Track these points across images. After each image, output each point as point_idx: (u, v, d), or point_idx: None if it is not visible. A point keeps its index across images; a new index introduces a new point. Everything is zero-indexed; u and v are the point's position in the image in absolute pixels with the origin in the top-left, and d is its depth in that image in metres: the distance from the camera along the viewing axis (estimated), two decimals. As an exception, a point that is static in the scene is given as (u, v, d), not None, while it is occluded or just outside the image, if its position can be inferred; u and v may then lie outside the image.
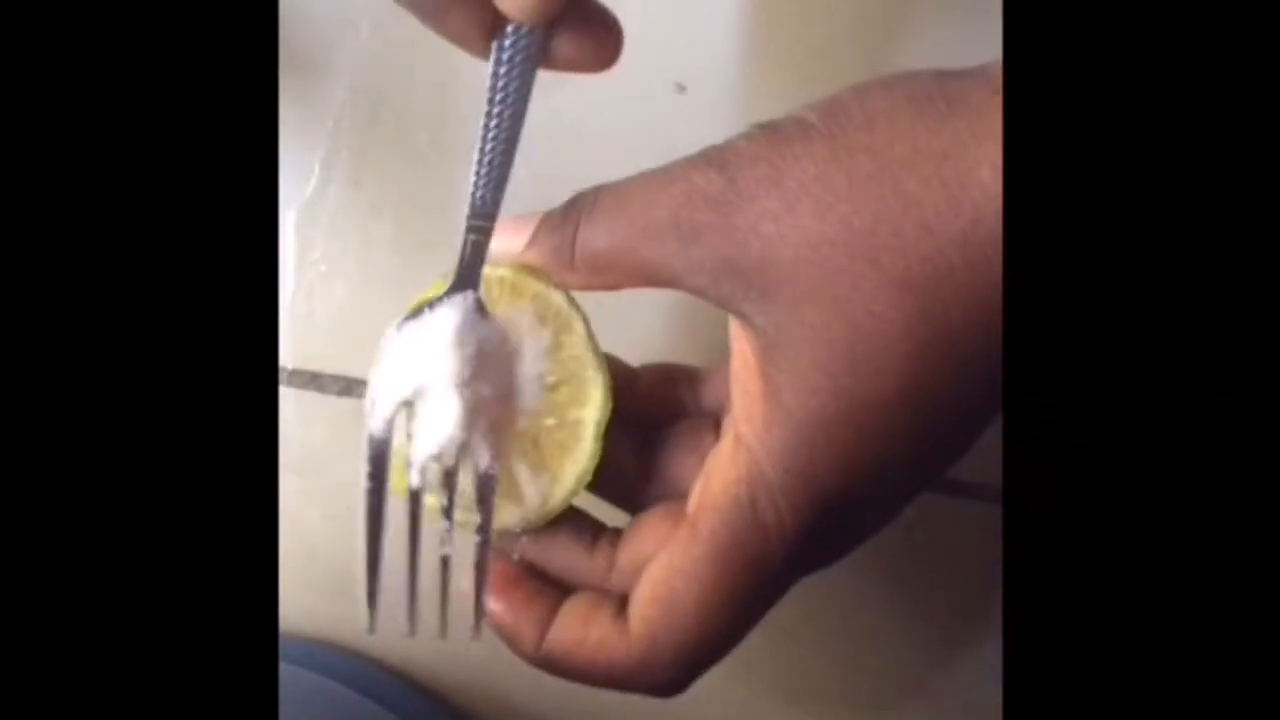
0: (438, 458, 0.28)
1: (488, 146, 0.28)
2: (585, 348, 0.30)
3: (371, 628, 0.28)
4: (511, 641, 0.30)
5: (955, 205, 0.24)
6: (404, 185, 0.42)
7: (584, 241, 0.28)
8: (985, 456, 0.26)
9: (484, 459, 0.28)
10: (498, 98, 0.28)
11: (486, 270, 0.29)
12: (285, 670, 0.40)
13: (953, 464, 0.27)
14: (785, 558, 0.27)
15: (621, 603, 0.29)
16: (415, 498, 0.28)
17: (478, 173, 0.28)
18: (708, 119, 0.41)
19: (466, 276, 0.29)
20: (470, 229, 0.28)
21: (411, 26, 0.27)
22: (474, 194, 0.28)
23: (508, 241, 0.29)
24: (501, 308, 0.29)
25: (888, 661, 0.44)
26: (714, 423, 0.31)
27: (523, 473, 0.30)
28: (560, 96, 0.39)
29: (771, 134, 0.26)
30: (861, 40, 0.41)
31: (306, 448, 0.42)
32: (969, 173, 0.24)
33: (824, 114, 0.26)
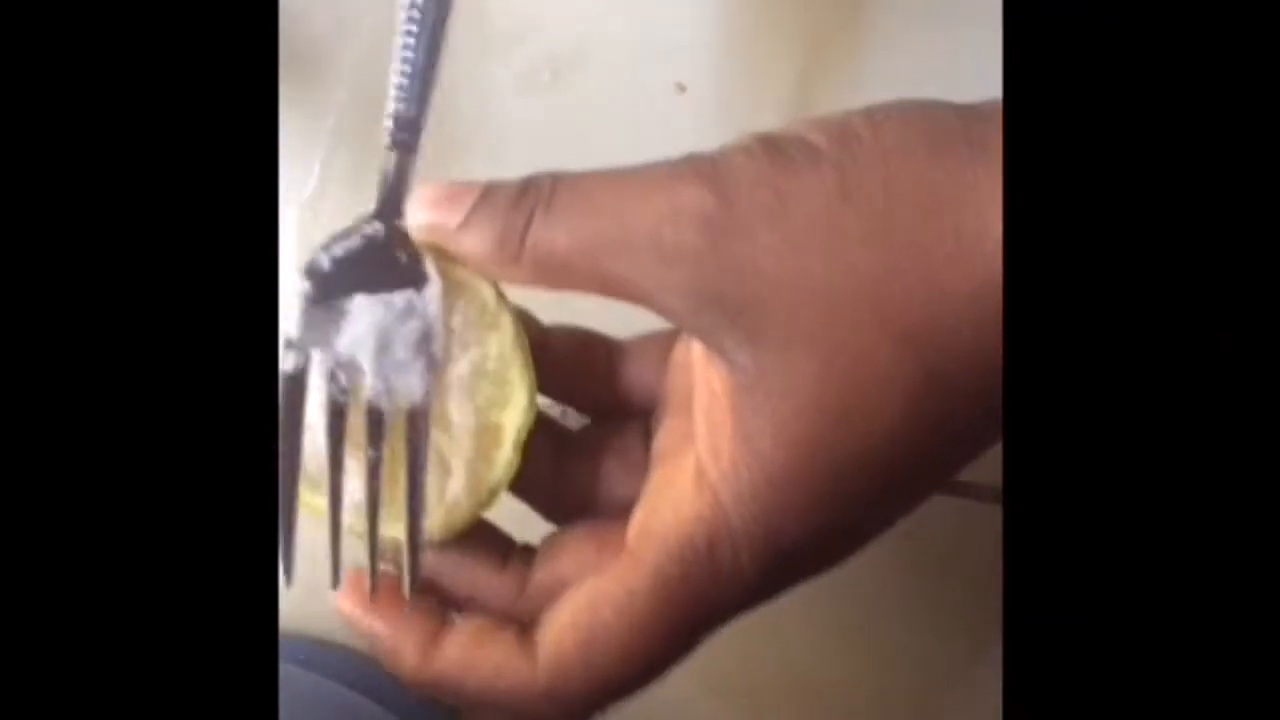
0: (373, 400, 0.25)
1: (406, 52, 0.25)
2: (513, 347, 0.27)
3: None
4: (389, 660, 0.27)
5: (970, 263, 0.23)
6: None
7: (538, 238, 0.25)
8: (985, 456, 0.26)
9: (415, 395, 0.26)
10: None
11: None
12: (285, 670, 0.40)
13: (920, 505, 0.26)
14: (736, 601, 0.25)
15: (525, 625, 0.26)
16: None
17: (399, 83, 0.25)
18: (708, 119, 0.41)
19: (388, 204, 0.26)
20: (392, 145, 0.25)
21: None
22: (395, 104, 0.25)
23: (440, 215, 0.25)
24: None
25: (885, 661, 0.44)
26: (643, 428, 0.28)
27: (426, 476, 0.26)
28: (560, 96, 0.39)
29: (774, 154, 0.24)
30: (861, 40, 0.41)
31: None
32: (986, 230, 0.23)
33: (834, 140, 0.24)
